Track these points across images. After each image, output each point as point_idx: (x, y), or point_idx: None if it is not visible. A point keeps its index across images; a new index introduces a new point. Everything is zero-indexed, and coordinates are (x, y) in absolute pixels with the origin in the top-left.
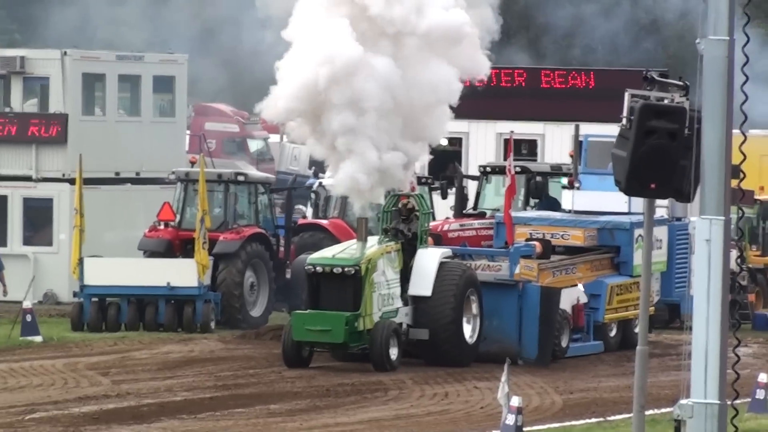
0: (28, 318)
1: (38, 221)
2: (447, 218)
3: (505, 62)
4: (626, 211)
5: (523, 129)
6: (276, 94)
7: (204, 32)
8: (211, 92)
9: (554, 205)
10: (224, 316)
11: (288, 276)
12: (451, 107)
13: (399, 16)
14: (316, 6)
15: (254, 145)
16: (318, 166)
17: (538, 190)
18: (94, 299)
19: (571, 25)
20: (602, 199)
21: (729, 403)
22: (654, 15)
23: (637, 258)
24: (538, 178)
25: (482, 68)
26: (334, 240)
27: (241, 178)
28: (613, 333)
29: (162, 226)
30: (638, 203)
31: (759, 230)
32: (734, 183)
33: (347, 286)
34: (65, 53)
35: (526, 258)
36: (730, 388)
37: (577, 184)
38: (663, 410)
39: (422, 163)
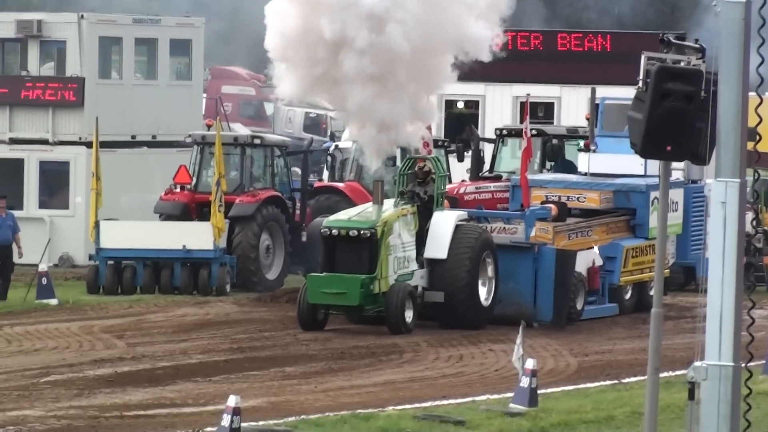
0: (44, 281)
1: (54, 184)
2: (463, 181)
3: (521, 25)
4: (642, 173)
5: (540, 92)
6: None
7: None
8: (227, 55)
9: (570, 167)
10: (240, 278)
11: (304, 239)
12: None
13: None
14: None
15: (270, 108)
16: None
17: (554, 153)
18: (110, 262)
19: None
20: (618, 161)
21: (743, 365)
22: None
23: (653, 220)
24: (555, 141)
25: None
26: (350, 203)
27: (257, 141)
28: (628, 295)
29: (178, 189)
30: (654, 166)
31: None
32: (750, 145)
33: (363, 249)
34: (82, 17)
35: (541, 221)
36: (744, 350)
37: (593, 147)
38: (677, 372)
39: (436, 121)
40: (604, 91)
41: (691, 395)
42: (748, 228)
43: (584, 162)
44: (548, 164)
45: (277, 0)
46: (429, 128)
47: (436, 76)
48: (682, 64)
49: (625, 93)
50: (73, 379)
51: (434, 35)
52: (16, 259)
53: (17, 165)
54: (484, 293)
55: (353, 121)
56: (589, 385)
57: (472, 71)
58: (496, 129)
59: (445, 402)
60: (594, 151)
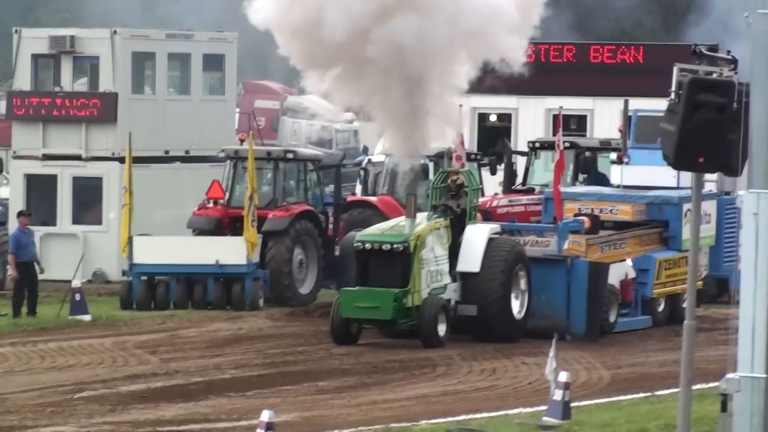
0: (77, 297)
1: (88, 200)
2: (496, 194)
3: (554, 38)
4: (675, 185)
5: (572, 104)
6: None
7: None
8: (259, 69)
9: (603, 180)
10: (273, 293)
11: (337, 253)
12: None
13: None
14: None
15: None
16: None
17: (586, 166)
18: (143, 278)
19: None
20: (651, 173)
21: None
22: None
23: (686, 232)
24: (587, 154)
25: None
26: (383, 217)
27: (290, 155)
28: (661, 308)
29: (211, 204)
30: (687, 177)
31: None
32: None
33: (396, 263)
34: (115, 32)
35: (574, 233)
36: None
37: (625, 159)
38: (710, 384)
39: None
40: (636, 103)
41: (724, 407)
42: None
43: (617, 174)
44: (581, 177)
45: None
46: (462, 141)
47: (456, 76)
48: (714, 75)
49: (658, 105)
50: (107, 395)
51: (452, 33)
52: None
53: (51, 181)
54: (517, 306)
55: (380, 122)
56: (622, 397)
57: (504, 84)
58: (528, 142)
59: (478, 415)
60: (627, 164)
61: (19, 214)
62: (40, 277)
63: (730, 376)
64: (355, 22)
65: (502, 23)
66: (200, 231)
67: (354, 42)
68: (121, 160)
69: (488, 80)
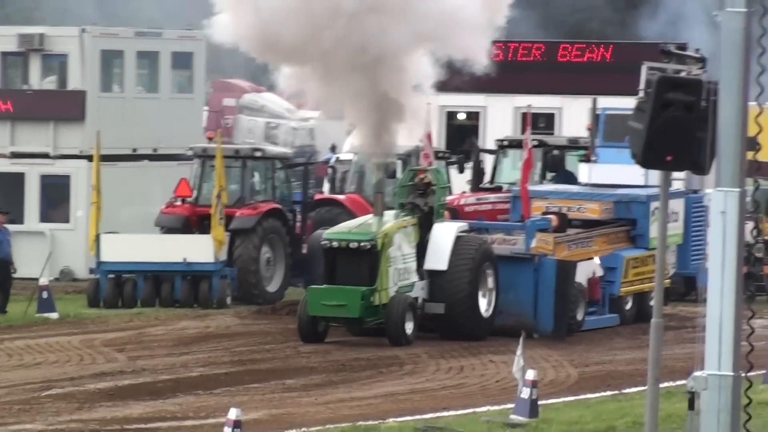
0: (45, 295)
1: (55, 198)
2: (463, 192)
3: (521, 36)
4: (643, 183)
5: (541, 103)
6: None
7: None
8: (229, 67)
9: (571, 178)
10: (240, 291)
11: (304, 251)
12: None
13: None
14: None
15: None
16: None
17: (555, 164)
18: (111, 275)
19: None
20: (619, 172)
21: (743, 375)
22: None
23: (654, 231)
24: (555, 152)
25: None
26: (351, 215)
27: (258, 153)
28: (628, 306)
29: (179, 202)
30: (655, 176)
31: None
32: (750, 155)
33: (363, 261)
34: (84, 30)
35: (542, 231)
36: (744, 360)
37: (593, 158)
38: (678, 383)
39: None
40: (605, 102)
41: (691, 405)
42: (748, 237)
43: (585, 172)
44: (549, 175)
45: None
46: (429, 139)
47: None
48: (683, 74)
49: (626, 103)
50: (74, 392)
51: (410, 32)
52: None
53: (18, 179)
54: (484, 304)
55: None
56: (589, 395)
57: (472, 82)
58: (496, 140)
59: (446, 413)
60: (595, 162)
61: None
62: (14, 275)
63: (697, 374)
64: (312, 22)
65: (462, 24)
66: (168, 229)
67: (311, 41)
68: (89, 158)
69: (456, 79)
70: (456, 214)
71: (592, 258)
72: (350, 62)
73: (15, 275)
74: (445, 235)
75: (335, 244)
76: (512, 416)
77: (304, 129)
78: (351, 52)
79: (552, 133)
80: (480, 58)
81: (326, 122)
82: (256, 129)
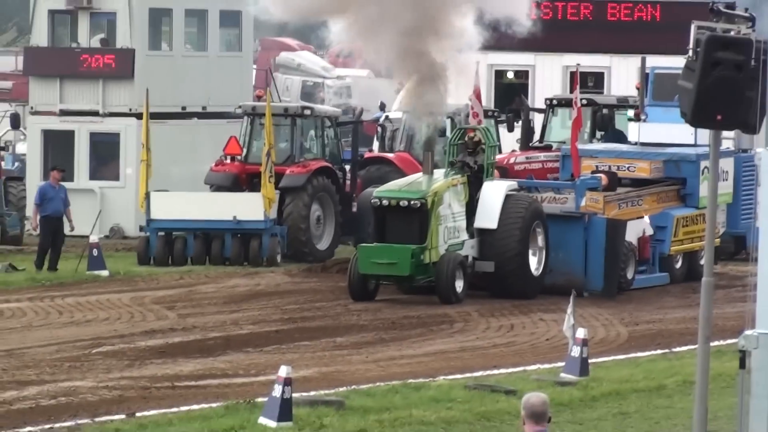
0: (95, 252)
1: (105, 156)
2: (513, 151)
3: None
4: (692, 143)
5: (590, 62)
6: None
7: None
8: (276, 26)
9: (620, 137)
10: (290, 249)
11: (354, 209)
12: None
13: None
14: None
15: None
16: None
17: (604, 123)
18: (161, 233)
19: None
20: (668, 131)
21: None
22: None
23: (703, 190)
24: (605, 111)
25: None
26: (401, 173)
27: (307, 111)
28: (678, 265)
29: (228, 160)
30: (704, 135)
31: None
32: None
33: (413, 219)
34: None
35: (592, 190)
36: None
37: (643, 117)
38: (728, 341)
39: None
40: (654, 61)
41: (742, 364)
42: None
43: (634, 131)
44: (598, 134)
45: None
46: (478, 97)
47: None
48: (732, 33)
49: (675, 62)
50: (125, 350)
51: None
52: (67, 232)
53: (68, 137)
54: (534, 263)
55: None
56: (639, 354)
57: (521, 41)
58: (546, 99)
59: (496, 372)
60: (644, 121)
61: (53, 168)
62: (69, 233)
63: (748, 332)
64: None
65: None
66: (218, 187)
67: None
68: (139, 116)
69: (504, 38)
70: (506, 172)
71: (642, 217)
72: (395, 20)
73: (71, 233)
74: (494, 193)
75: (385, 202)
76: (562, 374)
77: (341, 87)
78: (395, 10)
79: (601, 92)
80: (521, 18)
81: (369, 80)
82: (292, 87)
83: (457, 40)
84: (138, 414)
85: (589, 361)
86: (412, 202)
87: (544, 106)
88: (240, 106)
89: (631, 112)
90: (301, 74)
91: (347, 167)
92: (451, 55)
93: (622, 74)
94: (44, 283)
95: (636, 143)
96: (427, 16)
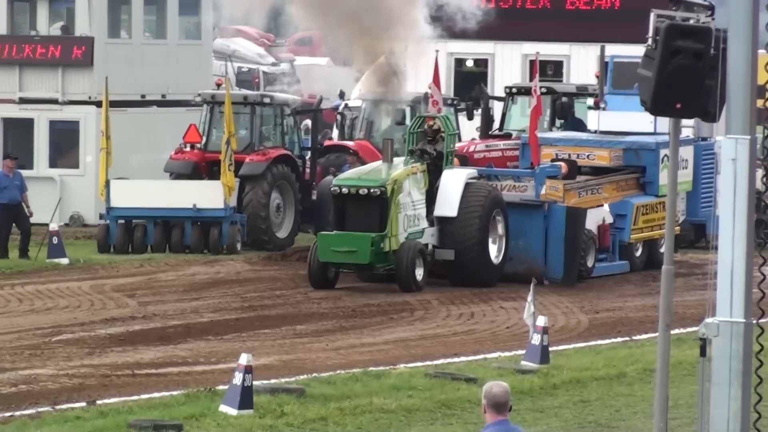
0: (55, 240)
1: (64, 144)
2: (473, 139)
3: None
4: (652, 131)
5: (549, 50)
6: None
7: None
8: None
9: (580, 125)
10: (250, 237)
11: (314, 197)
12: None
13: None
14: None
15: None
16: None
17: (563, 111)
18: (121, 221)
19: None
20: (628, 119)
21: (754, 321)
22: None
23: (663, 178)
24: (564, 99)
25: None
26: (360, 161)
27: (266, 99)
28: (638, 253)
29: (188, 148)
30: (664, 123)
31: None
32: (760, 103)
33: (373, 207)
34: None
35: (551, 178)
36: (755, 306)
37: (602, 105)
38: (688, 329)
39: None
40: (613, 49)
41: (703, 352)
42: (759, 185)
43: (594, 120)
44: (558, 122)
45: None
46: (438, 85)
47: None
48: (692, 21)
49: (635, 51)
50: (85, 337)
51: None
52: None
53: (27, 124)
54: (494, 251)
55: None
56: (600, 342)
57: (480, 30)
58: (505, 87)
59: (456, 359)
60: (604, 109)
61: (5, 157)
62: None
63: (709, 320)
64: None
65: None
66: (177, 175)
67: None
68: (98, 104)
69: (464, 26)
70: (465, 161)
71: (601, 205)
72: (348, 12)
73: (31, 220)
74: (454, 181)
75: (345, 190)
76: (523, 362)
77: (275, 73)
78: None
79: (560, 81)
80: (470, 8)
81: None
82: (227, 74)
83: (412, 29)
84: (98, 402)
85: (550, 349)
86: (371, 190)
87: (503, 95)
88: (199, 94)
89: (590, 101)
90: (236, 60)
91: (307, 155)
92: (408, 43)
93: (581, 63)
94: (4, 271)
95: (595, 131)
96: (381, 5)
